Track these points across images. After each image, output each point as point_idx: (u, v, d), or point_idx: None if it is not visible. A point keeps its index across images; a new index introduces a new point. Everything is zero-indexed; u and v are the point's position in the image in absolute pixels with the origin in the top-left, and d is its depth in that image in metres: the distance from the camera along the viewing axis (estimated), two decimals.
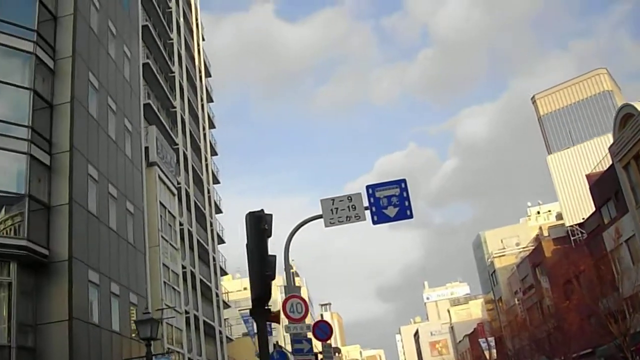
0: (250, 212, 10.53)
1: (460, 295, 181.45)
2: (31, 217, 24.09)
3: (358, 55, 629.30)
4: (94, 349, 25.53)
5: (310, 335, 16.59)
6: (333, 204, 16.76)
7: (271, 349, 43.45)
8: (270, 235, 10.60)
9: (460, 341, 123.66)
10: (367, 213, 16.78)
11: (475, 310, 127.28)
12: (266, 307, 10.38)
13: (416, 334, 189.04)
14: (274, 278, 10.59)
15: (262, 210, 10.61)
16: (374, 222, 16.82)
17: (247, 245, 10.37)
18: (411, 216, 16.33)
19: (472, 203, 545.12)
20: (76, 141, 26.66)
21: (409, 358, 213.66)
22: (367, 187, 17.06)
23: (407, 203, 16.43)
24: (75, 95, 27.39)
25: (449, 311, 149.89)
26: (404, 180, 16.71)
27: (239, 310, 45.73)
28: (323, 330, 18.06)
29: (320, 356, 19.54)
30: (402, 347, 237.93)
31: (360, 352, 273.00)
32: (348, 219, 16.78)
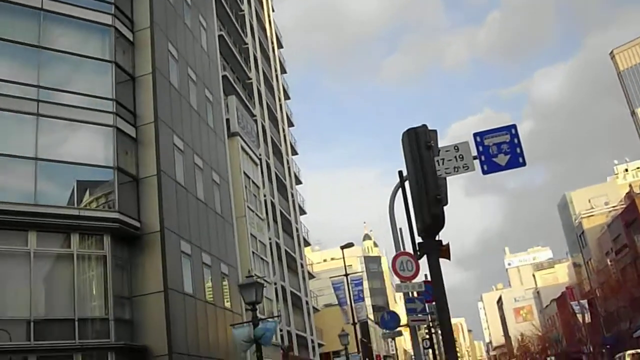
0: (410, 129, 9.26)
1: (543, 259, 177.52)
2: (120, 190, 23.92)
3: (425, 23, 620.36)
4: (189, 319, 25.33)
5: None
6: (439, 154, 15.73)
7: (363, 316, 42.98)
8: (436, 154, 9.23)
9: (547, 306, 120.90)
10: (476, 163, 15.66)
11: (562, 274, 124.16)
12: (437, 239, 8.69)
13: (499, 300, 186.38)
14: (446, 203, 9.17)
15: (424, 125, 9.32)
16: (484, 172, 15.65)
17: (407, 166, 9.02)
18: (524, 163, 15.08)
19: (549, 165, 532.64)
20: (160, 112, 26.35)
21: (492, 325, 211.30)
22: (475, 134, 15.88)
23: (518, 150, 15.15)
24: (157, 66, 27.07)
25: (534, 276, 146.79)
26: (514, 126, 15.43)
27: (330, 278, 45.15)
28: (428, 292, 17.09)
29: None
30: (485, 314, 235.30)
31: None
32: (456, 169, 15.62)
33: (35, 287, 21.21)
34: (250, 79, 51.59)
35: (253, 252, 36.61)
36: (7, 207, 20.95)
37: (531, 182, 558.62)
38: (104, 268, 22.94)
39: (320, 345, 58.08)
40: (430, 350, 27.61)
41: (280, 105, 63.15)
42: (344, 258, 35.53)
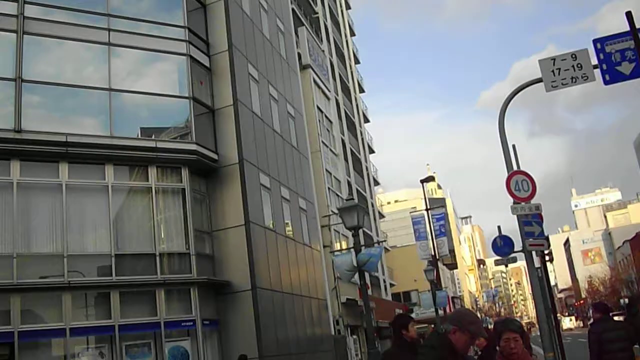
0: None
1: (612, 201, 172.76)
2: (197, 121, 22.93)
3: None
4: (271, 254, 24.46)
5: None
6: (554, 64, 14.14)
7: (445, 252, 41.74)
8: None
9: (619, 247, 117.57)
10: (597, 72, 14.03)
11: (635, 214, 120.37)
12: None
13: (566, 242, 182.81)
14: None
15: None
16: (606, 82, 14.07)
17: None
18: None
19: (617, 105, 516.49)
20: (234, 39, 25.13)
21: (559, 268, 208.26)
22: (595, 40, 14.25)
23: None
24: None
25: (605, 216, 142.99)
26: None
27: (410, 212, 43.93)
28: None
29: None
30: (551, 256, 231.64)
31: (506, 264, 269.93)
32: (574, 80, 14.11)
33: (114, 221, 20.58)
34: (317, 13, 49.90)
35: (329, 188, 35.56)
36: (83, 139, 20.20)
37: (600, 123, 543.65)
38: (183, 202, 22.14)
39: (391, 285, 57.30)
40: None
41: (347, 42, 61.30)
42: (424, 191, 34.19)
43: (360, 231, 42.14)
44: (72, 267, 19.19)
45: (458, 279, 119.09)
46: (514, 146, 15.80)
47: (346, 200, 14.08)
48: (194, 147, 22.17)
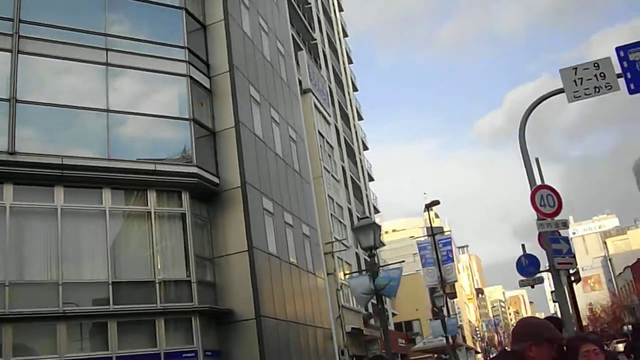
0: None
1: (610, 227, 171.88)
2: (197, 144, 22.12)
3: None
4: (275, 281, 23.51)
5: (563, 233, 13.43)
6: (576, 73, 13.48)
7: (452, 277, 40.82)
8: None
9: (620, 273, 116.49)
10: (621, 81, 13.33)
11: (636, 240, 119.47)
12: None
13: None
14: None
15: None
16: (631, 91, 13.37)
17: None
18: None
19: (612, 132, 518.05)
20: (235, 60, 24.43)
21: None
22: (618, 48, 13.59)
23: None
24: (229, 12, 25.09)
25: (605, 243, 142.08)
26: None
27: (416, 238, 42.87)
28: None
29: None
30: (550, 284, 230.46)
31: (503, 293, 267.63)
32: (597, 90, 13.41)
33: (112, 247, 19.69)
34: (315, 39, 49.42)
35: (331, 215, 34.70)
36: (79, 162, 19.39)
37: (595, 149, 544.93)
38: (183, 227, 21.25)
39: (393, 314, 56.16)
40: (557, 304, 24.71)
41: (345, 69, 60.82)
42: (429, 216, 33.33)
43: (362, 260, 40.98)
44: (67, 295, 18.25)
45: (458, 308, 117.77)
46: (537, 160, 15.01)
47: (361, 218, 13.24)
48: (194, 170, 21.34)
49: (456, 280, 33.72)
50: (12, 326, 17.06)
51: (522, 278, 15.46)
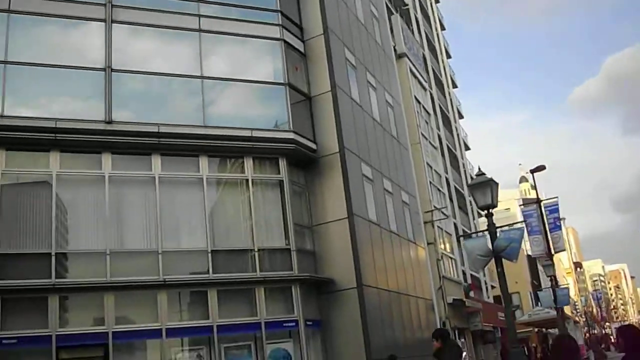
0: None
1: None
2: (293, 109, 21.44)
3: None
4: (376, 249, 22.71)
5: None
6: None
7: (560, 246, 38.93)
8: None
9: None
10: None
11: None
12: None
13: None
14: None
15: None
16: None
17: None
18: None
19: None
20: (330, 23, 23.59)
21: None
22: None
23: None
24: None
25: None
26: None
27: (520, 205, 41.30)
28: None
29: None
30: None
31: (603, 267, 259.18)
32: None
33: (210, 216, 19.34)
34: (407, 5, 47.92)
35: (430, 182, 33.59)
36: (175, 129, 19.06)
37: None
38: (281, 194, 20.70)
39: (492, 287, 54.61)
40: None
41: (437, 35, 59.03)
42: (534, 182, 31.70)
43: (460, 230, 39.61)
44: (166, 264, 18.01)
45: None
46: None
47: (476, 175, 12.21)
48: (291, 135, 20.71)
49: (564, 249, 32.13)
50: (114, 294, 16.98)
51: None
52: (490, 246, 11.74)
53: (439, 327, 27.60)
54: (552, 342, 6.30)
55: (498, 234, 11.84)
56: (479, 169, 12.31)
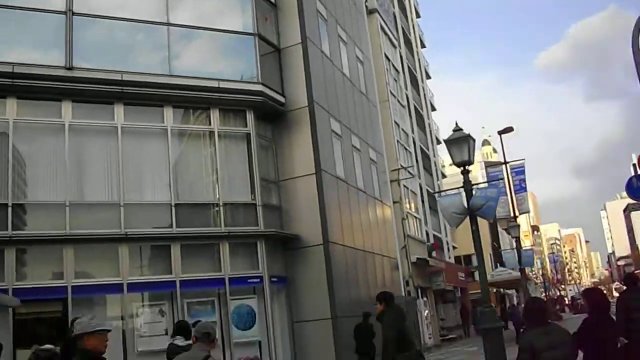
0: None
1: None
2: (261, 61, 20.79)
3: None
4: (343, 206, 22.40)
5: None
6: None
7: (525, 208, 39.16)
8: None
9: None
10: None
11: None
12: None
13: (626, 209, 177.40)
14: None
15: None
16: None
17: None
18: None
19: None
20: None
21: (616, 235, 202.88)
22: None
23: None
24: None
25: None
26: None
27: (485, 168, 41.28)
28: None
29: None
30: (608, 223, 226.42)
31: (559, 231, 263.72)
32: None
33: (174, 168, 18.74)
34: None
35: (397, 141, 33.30)
36: (139, 77, 18.27)
37: None
38: (248, 148, 20.16)
39: (454, 247, 55.00)
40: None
41: None
42: (502, 144, 31.57)
43: (424, 190, 39.52)
44: (128, 217, 17.43)
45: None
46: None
47: (454, 131, 11.85)
48: (259, 87, 20.11)
49: (529, 211, 32.25)
50: (73, 248, 16.37)
51: (633, 201, 13.97)
52: (465, 204, 11.46)
53: (402, 286, 27.61)
54: (526, 303, 6.99)
55: (474, 192, 11.57)
56: (456, 124, 11.95)
